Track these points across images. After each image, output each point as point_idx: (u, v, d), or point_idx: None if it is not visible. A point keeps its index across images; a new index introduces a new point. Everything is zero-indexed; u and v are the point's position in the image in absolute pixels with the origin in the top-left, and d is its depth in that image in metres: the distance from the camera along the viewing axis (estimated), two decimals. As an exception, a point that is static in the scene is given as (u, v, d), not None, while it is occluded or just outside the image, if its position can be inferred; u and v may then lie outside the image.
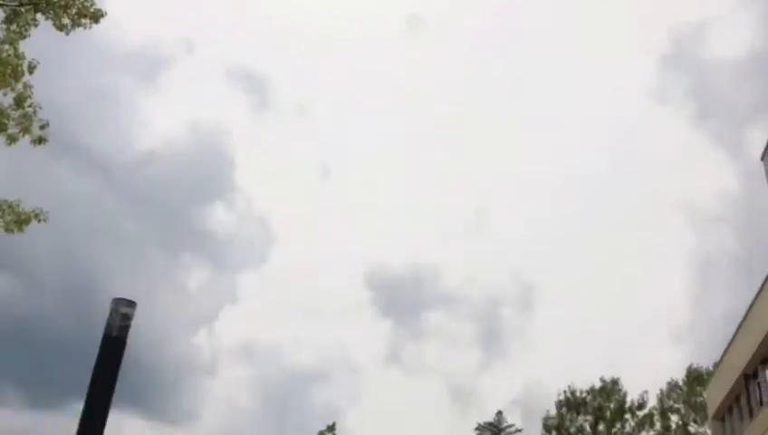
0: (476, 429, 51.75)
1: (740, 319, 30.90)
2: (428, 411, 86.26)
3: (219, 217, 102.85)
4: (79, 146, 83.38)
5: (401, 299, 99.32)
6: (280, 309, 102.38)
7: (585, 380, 52.43)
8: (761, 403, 28.95)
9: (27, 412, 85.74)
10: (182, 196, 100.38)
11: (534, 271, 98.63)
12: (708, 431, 42.07)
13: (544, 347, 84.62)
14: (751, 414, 30.09)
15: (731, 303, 73.63)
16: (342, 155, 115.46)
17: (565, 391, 52.23)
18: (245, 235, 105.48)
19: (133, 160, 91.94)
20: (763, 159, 28.25)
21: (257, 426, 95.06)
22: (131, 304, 8.43)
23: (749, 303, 29.66)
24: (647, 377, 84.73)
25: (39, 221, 10.78)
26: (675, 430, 49.64)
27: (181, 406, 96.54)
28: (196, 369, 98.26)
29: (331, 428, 30.41)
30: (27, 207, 10.77)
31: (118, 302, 8.41)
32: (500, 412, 51.95)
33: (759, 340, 28.34)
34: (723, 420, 34.70)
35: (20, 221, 10.58)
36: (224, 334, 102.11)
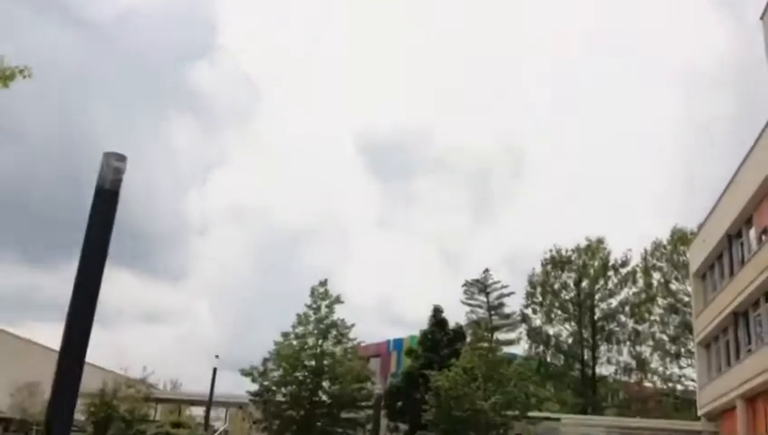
0: (464, 285, 53.10)
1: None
2: (417, 272, 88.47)
3: (204, 75, 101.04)
4: (59, 2, 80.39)
5: (392, 162, 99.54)
6: (268, 169, 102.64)
7: (572, 241, 53.57)
8: (742, 262, 29.73)
9: (25, 269, 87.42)
10: (165, 53, 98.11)
11: (526, 135, 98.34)
12: (689, 288, 43.42)
13: (533, 211, 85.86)
14: (732, 272, 30.97)
15: (723, 167, 74.07)
16: (331, 11, 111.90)
17: (551, 250, 53.39)
18: (232, 94, 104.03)
19: (115, 16, 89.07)
20: (762, 17, 27.52)
21: (248, 284, 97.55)
22: (122, 157, 8.30)
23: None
24: (634, 240, 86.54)
25: (24, 77, 10.50)
26: (656, 287, 51.22)
27: (172, 264, 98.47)
28: (186, 228, 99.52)
29: (324, 283, 31.14)
30: (11, 62, 10.44)
31: (108, 155, 8.27)
32: (487, 270, 53.04)
33: (744, 200, 28.74)
34: (704, 277, 35.74)
35: (4, 77, 10.31)
36: (212, 194, 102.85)
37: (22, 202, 78.38)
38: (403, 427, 34.07)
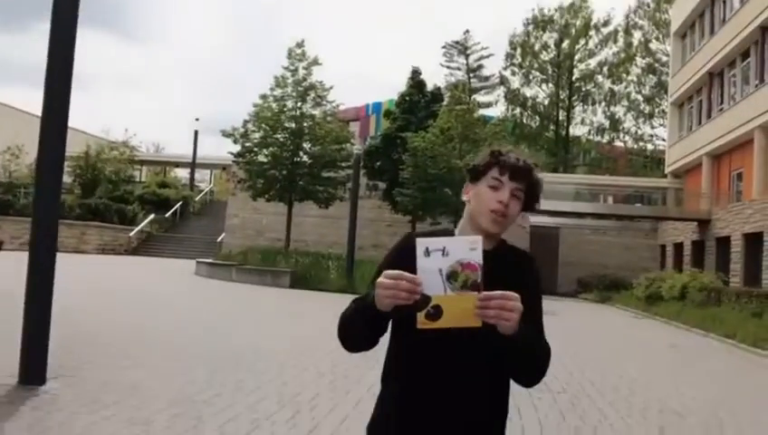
0: (443, 47, 52.44)
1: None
2: (398, 38, 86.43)
3: None
4: None
5: None
6: None
7: (556, 2, 52.24)
8: (723, 21, 29.48)
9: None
10: None
11: None
12: (668, 48, 43.28)
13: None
14: (712, 31, 30.80)
15: None
16: None
17: (533, 9, 52.26)
18: None
19: None
20: None
21: (224, 49, 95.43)
22: None
23: None
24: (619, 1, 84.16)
25: None
26: (636, 47, 50.93)
27: (146, 27, 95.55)
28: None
29: (300, 44, 30.62)
30: None
31: None
32: (467, 31, 52.18)
33: (734, -44, 27.89)
34: (683, 37, 35.54)
35: None
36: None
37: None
38: (381, 185, 35.36)
